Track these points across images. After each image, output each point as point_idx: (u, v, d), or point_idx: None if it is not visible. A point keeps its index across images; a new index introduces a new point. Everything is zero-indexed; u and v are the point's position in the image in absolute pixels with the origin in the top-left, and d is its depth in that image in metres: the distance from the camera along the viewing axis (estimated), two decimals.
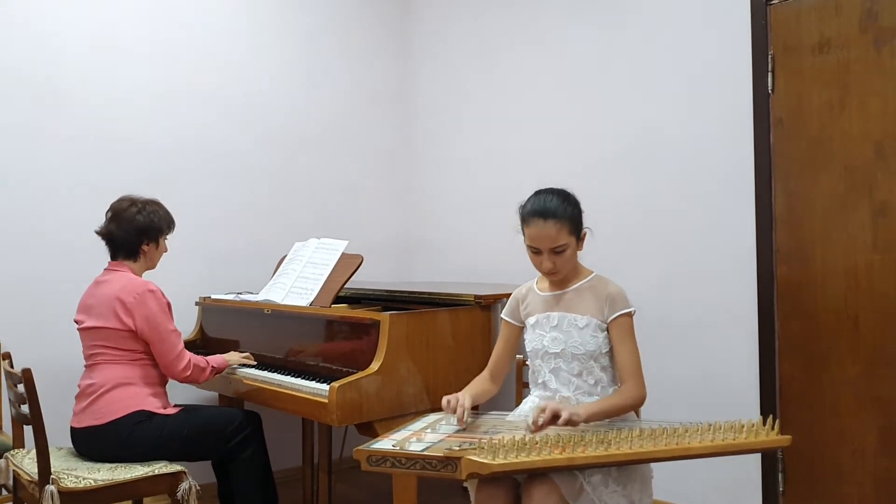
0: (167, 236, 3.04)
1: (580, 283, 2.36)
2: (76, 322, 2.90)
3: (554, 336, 2.33)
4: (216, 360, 3.02)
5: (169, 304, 2.89)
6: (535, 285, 2.46)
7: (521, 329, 2.48)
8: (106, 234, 2.95)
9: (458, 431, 2.16)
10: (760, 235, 3.03)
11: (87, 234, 3.45)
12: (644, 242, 3.41)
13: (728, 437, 1.97)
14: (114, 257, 2.96)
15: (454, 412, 2.20)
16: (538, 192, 2.34)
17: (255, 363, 3.17)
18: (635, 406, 2.28)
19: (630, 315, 2.32)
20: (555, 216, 2.24)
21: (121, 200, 2.98)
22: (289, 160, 4.20)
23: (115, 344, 2.81)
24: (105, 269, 2.95)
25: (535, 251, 2.29)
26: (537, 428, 2.04)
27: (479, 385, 2.45)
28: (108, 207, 2.99)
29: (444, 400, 2.25)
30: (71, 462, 2.75)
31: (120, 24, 3.66)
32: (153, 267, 3.04)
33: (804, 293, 2.92)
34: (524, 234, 2.32)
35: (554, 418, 2.04)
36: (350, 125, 4.45)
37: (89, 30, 3.57)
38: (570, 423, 2.04)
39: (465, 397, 2.25)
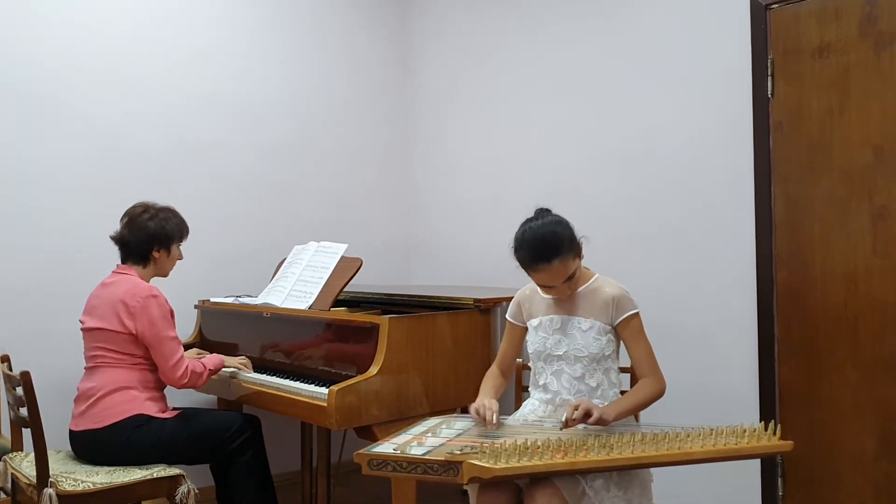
0: (180, 244, 3.04)
1: (584, 286, 2.37)
2: (80, 322, 2.90)
3: (557, 338, 2.34)
4: (212, 361, 3.01)
5: (172, 311, 2.89)
6: (538, 287, 2.46)
7: (524, 329, 2.49)
8: (119, 238, 2.98)
9: (460, 435, 2.16)
10: (760, 239, 3.03)
11: (87, 237, 3.47)
12: (643, 246, 3.41)
13: (730, 442, 1.97)
14: (124, 261, 2.98)
15: (485, 419, 2.20)
16: (525, 231, 2.26)
17: (251, 371, 3.15)
18: (658, 397, 2.30)
19: (637, 315, 2.34)
20: (558, 254, 2.20)
21: (135, 206, 3.01)
22: (288, 163, 4.19)
23: (115, 347, 2.80)
24: (113, 272, 2.96)
25: (547, 287, 2.30)
26: (569, 424, 2.05)
27: (494, 381, 2.49)
28: (116, 212, 3.01)
29: (473, 410, 2.26)
30: (69, 465, 2.74)
31: (120, 29, 3.65)
32: (164, 274, 3.04)
33: (804, 297, 2.92)
34: (529, 275, 2.29)
35: (585, 416, 2.05)
36: (349, 128, 4.45)
37: (89, 34, 3.56)
38: (600, 422, 2.06)
39: (491, 401, 2.27)
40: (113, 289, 2.86)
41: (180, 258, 3.07)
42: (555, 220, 2.27)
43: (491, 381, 2.48)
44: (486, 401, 2.27)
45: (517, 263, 2.29)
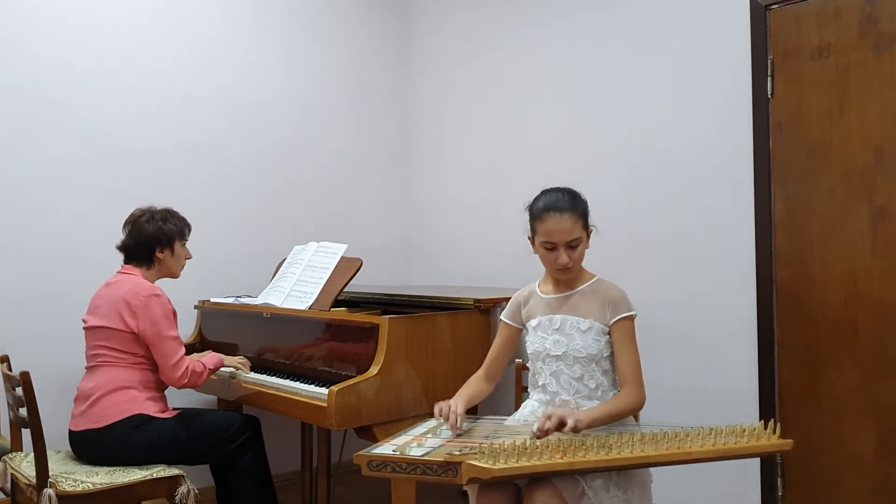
0: (185, 243, 3.06)
1: (583, 286, 2.37)
2: (83, 321, 2.91)
3: (556, 339, 2.33)
4: (212, 361, 3.01)
5: (174, 312, 2.91)
6: (537, 288, 2.46)
7: (519, 331, 2.48)
8: (122, 246, 3.01)
9: (458, 436, 2.16)
10: (760, 240, 3.03)
11: (87, 238, 3.48)
12: (643, 247, 3.40)
13: (729, 441, 1.97)
14: (129, 261, 2.99)
15: (447, 419, 2.20)
16: (547, 191, 2.37)
17: (248, 371, 3.15)
18: (635, 410, 2.29)
19: (632, 318, 2.33)
20: (570, 209, 2.28)
21: (134, 211, 3.04)
22: (287, 163, 4.19)
23: (116, 345, 2.81)
24: (117, 272, 2.98)
25: (549, 247, 2.30)
26: (542, 434, 2.04)
27: (474, 386, 2.46)
28: (116, 212, 3.07)
29: (437, 407, 2.25)
30: (69, 465, 2.74)
31: (120, 31, 3.65)
32: (174, 275, 3.07)
33: (803, 298, 2.92)
34: (535, 232, 2.33)
35: (560, 425, 2.04)
36: (349, 129, 4.45)
37: (89, 36, 3.56)
38: (574, 430, 2.04)
39: (457, 403, 2.25)
40: (116, 288, 2.88)
41: (188, 257, 3.09)
42: (578, 193, 2.38)
43: (471, 387, 2.45)
44: (452, 402, 2.26)
45: (527, 222, 2.36)
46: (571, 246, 2.29)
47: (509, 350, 2.52)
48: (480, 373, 2.51)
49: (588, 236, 2.36)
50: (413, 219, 4.66)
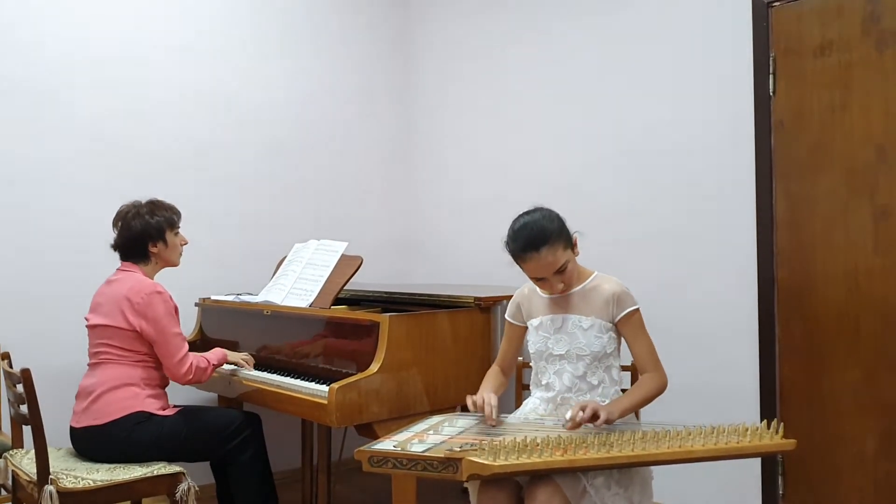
0: (177, 231, 3.02)
1: (583, 284, 2.36)
2: (85, 319, 2.91)
3: (558, 338, 2.33)
4: (216, 356, 3.00)
5: (176, 308, 2.90)
6: (537, 287, 2.46)
7: (524, 329, 2.48)
8: (115, 246, 2.99)
9: (461, 433, 2.16)
10: (761, 238, 3.03)
11: (87, 235, 3.47)
12: (645, 245, 3.40)
13: (731, 440, 1.97)
14: (125, 260, 2.98)
15: (482, 411, 2.22)
16: (516, 223, 2.31)
17: (252, 367, 3.15)
18: (660, 392, 2.29)
19: (638, 310, 2.33)
20: (546, 242, 2.22)
21: (121, 208, 3.00)
22: (289, 161, 4.19)
23: (119, 343, 2.81)
24: (117, 269, 2.97)
25: (539, 280, 2.29)
26: (575, 425, 2.05)
27: (495, 380, 2.49)
28: (115, 210, 3.01)
29: (470, 400, 2.26)
30: (70, 462, 2.74)
31: (121, 31, 3.65)
32: (172, 264, 3.03)
33: (805, 296, 2.92)
34: (520, 267, 2.31)
35: (593, 417, 2.04)
36: (350, 127, 4.45)
37: (90, 36, 3.56)
38: (607, 423, 2.06)
39: (491, 395, 2.27)
40: (117, 286, 2.87)
41: (185, 243, 3.06)
42: (544, 212, 2.30)
43: (492, 379, 2.48)
44: (485, 395, 2.27)
45: (511, 258, 2.31)
46: (560, 271, 2.26)
47: (518, 347, 2.54)
48: (496, 367, 2.54)
49: (574, 246, 2.31)
50: (413, 217, 4.65)
